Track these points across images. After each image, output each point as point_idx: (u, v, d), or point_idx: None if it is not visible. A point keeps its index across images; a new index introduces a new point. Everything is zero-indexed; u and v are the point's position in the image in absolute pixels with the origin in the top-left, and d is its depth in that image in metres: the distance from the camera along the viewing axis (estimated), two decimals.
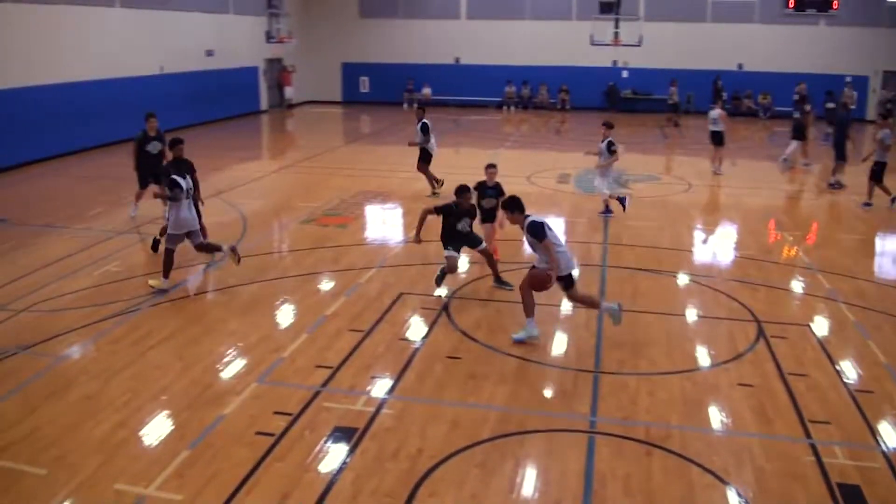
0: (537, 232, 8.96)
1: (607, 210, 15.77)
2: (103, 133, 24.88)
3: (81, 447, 7.15)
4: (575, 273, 9.41)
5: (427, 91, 37.82)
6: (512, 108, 36.94)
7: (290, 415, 7.56)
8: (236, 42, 33.31)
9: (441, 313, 10.26)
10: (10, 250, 13.69)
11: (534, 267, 9.34)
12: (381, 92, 38.44)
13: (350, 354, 8.98)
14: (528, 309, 9.30)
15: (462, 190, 10.98)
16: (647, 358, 8.97)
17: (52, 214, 16.11)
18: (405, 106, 37.60)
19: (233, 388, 8.18)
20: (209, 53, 31.50)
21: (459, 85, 37.84)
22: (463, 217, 11.00)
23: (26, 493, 6.52)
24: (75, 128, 23.55)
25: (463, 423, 7.43)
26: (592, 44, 32.31)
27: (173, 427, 7.49)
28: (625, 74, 36.32)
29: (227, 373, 8.64)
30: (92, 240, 14.17)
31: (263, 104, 36.44)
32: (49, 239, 14.32)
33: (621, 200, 15.09)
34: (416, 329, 9.82)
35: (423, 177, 18.01)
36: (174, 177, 11.27)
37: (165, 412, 7.78)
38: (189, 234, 11.49)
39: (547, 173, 20.69)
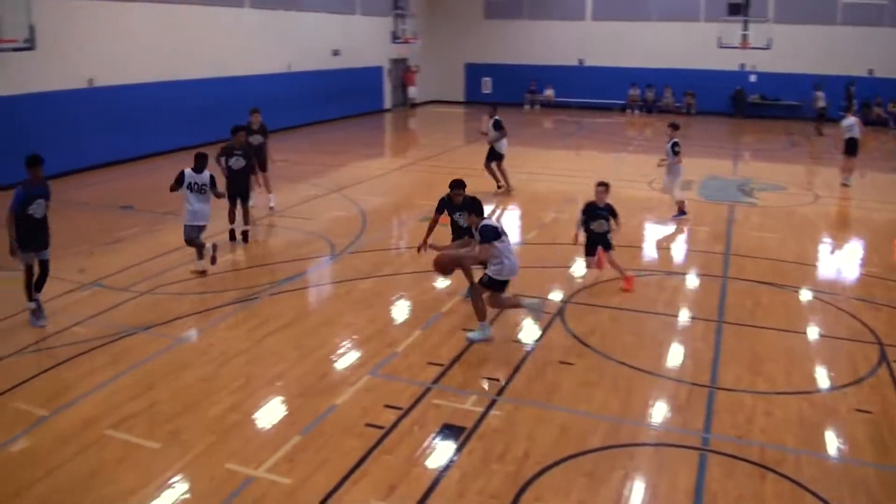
0: (487, 235, 9.10)
1: (680, 212, 15.55)
2: (225, 130, 25.65)
3: (195, 426, 7.44)
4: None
5: (550, 93, 37.59)
6: (636, 112, 36.24)
7: (400, 409, 7.63)
8: (362, 42, 33.94)
9: (555, 317, 10.16)
10: (135, 235, 14.36)
11: (485, 268, 9.38)
12: (504, 93, 38.29)
13: (462, 353, 9.00)
14: (484, 314, 9.40)
15: (456, 184, 10.45)
16: (764, 375, 8.62)
17: (176, 203, 16.64)
18: (526, 107, 37.48)
19: (346, 379, 8.33)
20: (335, 53, 32.21)
21: (583, 87, 37.28)
22: (456, 211, 10.41)
23: (141, 464, 6.85)
24: (205, 122, 24.44)
25: (572, 430, 7.34)
26: (720, 46, 31.48)
27: (286, 413, 7.70)
28: (752, 79, 35.03)
29: (342, 364, 8.81)
30: (213, 230, 14.60)
31: (387, 103, 37.04)
32: (172, 226, 14.84)
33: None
34: (529, 332, 9.75)
35: (541, 178, 17.91)
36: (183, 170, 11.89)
37: (279, 398, 8.00)
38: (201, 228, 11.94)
39: None
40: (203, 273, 11.93)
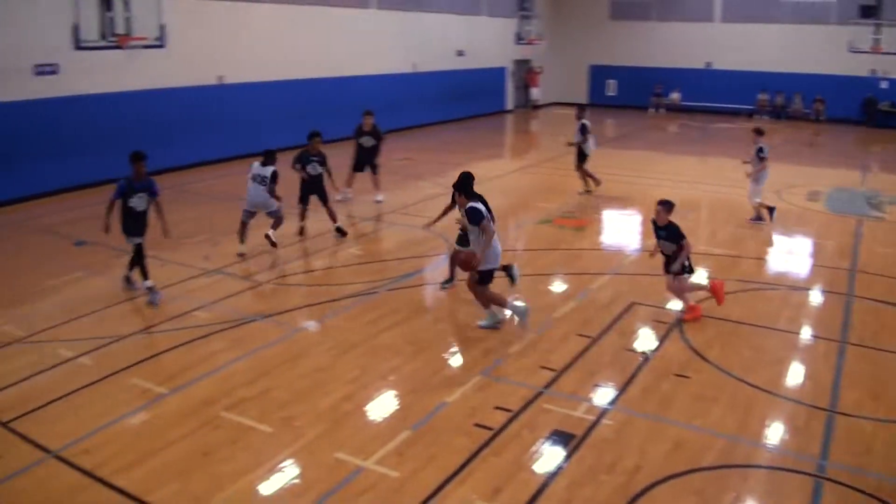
0: (474, 216, 9.33)
1: (758, 217, 15.19)
2: (349, 128, 26.22)
3: (308, 413, 7.63)
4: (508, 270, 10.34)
5: (676, 96, 36.76)
6: (764, 117, 34.96)
7: (510, 411, 7.61)
8: (486, 43, 34.04)
9: (673, 328, 9.93)
10: (259, 227, 14.72)
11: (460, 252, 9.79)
12: (628, 95, 37.77)
13: (575, 359, 8.90)
14: (486, 301, 9.62)
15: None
16: (887, 403, 8.14)
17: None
18: (651, 111, 36.81)
19: (457, 378, 8.37)
20: (460, 53, 32.42)
21: (710, 91, 36.21)
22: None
23: (253, 446, 7.09)
24: (329, 121, 24.99)
25: (685, 446, 7.13)
26: (850, 51, 30.14)
27: (397, 407, 7.80)
28: (884, 85, 33.09)
29: (454, 362, 8.86)
30: (321, 227, 14.87)
31: (509, 104, 37.03)
32: (293, 220, 15.24)
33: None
34: (645, 341, 9.57)
35: (664, 184, 17.60)
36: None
37: (391, 392, 8.11)
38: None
39: (797, 190, 19.50)
40: (241, 256, 12.77)
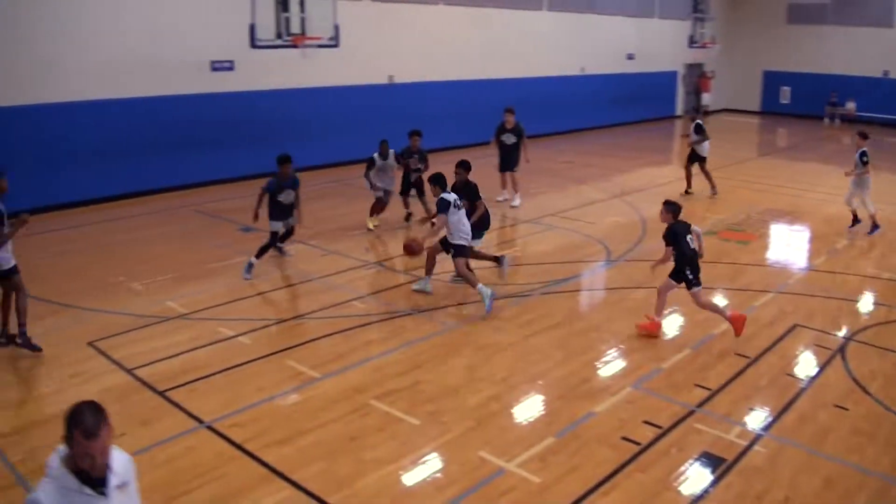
0: (441, 206, 10.43)
1: (874, 227, 14.54)
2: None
3: (455, 409, 7.67)
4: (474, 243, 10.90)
5: (851, 106, 34.42)
6: None
7: (659, 427, 7.38)
8: (658, 46, 33.28)
9: (836, 354, 9.34)
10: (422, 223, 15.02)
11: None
12: (802, 104, 35.77)
13: (731, 380, 8.51)
14: (465, 274, 10.50)
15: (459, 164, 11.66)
16: None
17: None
18: (826, 121, 34.75)
19: (608, 388, 8.20)
20: (630, 57, 31.87)
21: (887, 101, 33.52)
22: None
23: (399, 436, 7.20)
24: (497, 121, 25.22)
25: (838, 483, 6.63)
26: None
27: (544, 412, 7.72)
28: None
29: (605, 371, 8.69)
30: (495, 222, 14.98)
31: (679, 109, 36.03)
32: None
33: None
34: (806, 367, 9.03)
35: (836, 200, 16.64)
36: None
37: (539, 396, 8.04)
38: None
39: None
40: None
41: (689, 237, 9.44)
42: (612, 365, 8.86)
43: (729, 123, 35.03)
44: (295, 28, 16.64)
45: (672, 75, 35.13)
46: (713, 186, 18.25)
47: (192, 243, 13.95)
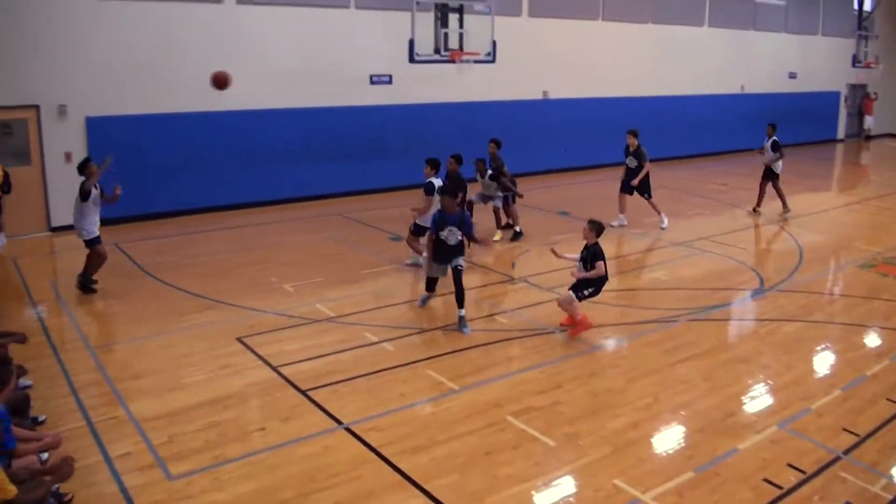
0: (427, 188, 12.29)
1: None
2: (677, 147, 26.12)
3: (593, 433, 7.56)
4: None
5: None
6: None
7: (803, 472, 7.00)
8: (820, 65, 31.93)
9: None
10: (569, 240, 14.90)
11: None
12: None
13: (882, 426, 7.96)
14: (415, 247, 12.63)
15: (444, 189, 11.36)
16: None
17: (614, 215, 17.10)
18: None
19: (752, 425, 7.88)
20: (791, 75, 30.71)
21: None
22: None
23: (533, 455, 7.16)
24: (656, 137, 24.91)
25: None
26: None
27: (684, 444, 7.49)
28: None
29: (751, 407, 8.35)
30: (645, 244, 14.77)
31: (840, 132, 34.42)
32: (605, 237, 15.19)
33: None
34: None
35: None
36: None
37: (680, 427, 7.81)
38: None
39: None
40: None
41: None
42: (758, 401, 8.52)
43: (891, 149, 33.19)
44: (453, 43, 16.91)
45: (834, 96, 33.56)
46: (785, 204, 18.02)
47: (344, 249, 14.37)
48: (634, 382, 8.77)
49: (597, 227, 10.02)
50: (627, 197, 16.57)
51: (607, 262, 10.21)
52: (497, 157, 15.28)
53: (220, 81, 12.32)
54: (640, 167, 16.19)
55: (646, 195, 16.40)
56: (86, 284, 11.82)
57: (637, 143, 16.35)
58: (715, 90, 27.59)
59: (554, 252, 10.68)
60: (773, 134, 17.77)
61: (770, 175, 17.86)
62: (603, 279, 10.05)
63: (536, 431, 7.55)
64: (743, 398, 8.54)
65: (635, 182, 16.23)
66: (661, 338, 10.14)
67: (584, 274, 10.00)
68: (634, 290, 12.02)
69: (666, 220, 16.40)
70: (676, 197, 19.81)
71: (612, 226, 16.00)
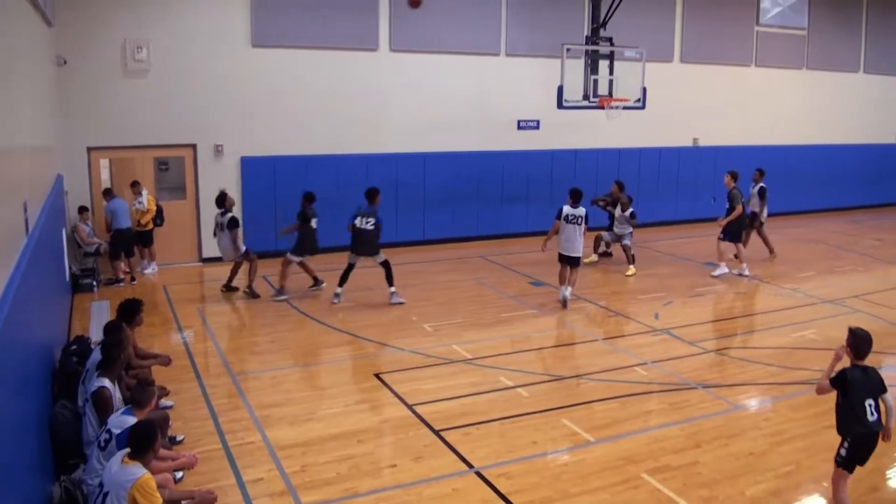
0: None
1: None
2: (830, 198, 25.11)
3: (730, 499, 7.20)
4: None
5: None
6: None
7: None
8: None
9: None
10: (715, 293, 14.67)
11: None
12: None
13: None
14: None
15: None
16: None
17: (763, 268, 16.56)
18: None
19: None
20: None
21: None
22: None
23: None
24: (798, 189, 24.16)
25: None
26: None
27: None
28: None
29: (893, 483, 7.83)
30: (795, 300, 14.18)
31: None
32: (754, 291, 14.85)
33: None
34: None
35: None
36: None
37: (822, 499, 7.30)
38: None
39: None
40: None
41: None
42: None
43: None
44: (602, 89, 16.88)
45: None
46: (771, 249, 17.61)
47: (484, 292, 14.43)
48: (778, 447, 8.32)
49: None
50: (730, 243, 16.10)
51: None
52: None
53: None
54: (731, 209, 15.79)
55: (724, 236, 15.92)
56: (252, 291, 13.80)
57: (733, 184, 15.91)
58: (870, 139, 26.29)
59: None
60: (760, 180, 17.02)
61: (751, 223, 17.04)
62: None
63: (672, 492, 7.27)
64: (888, 472, 7.99)
65: (722, 223, 15.92)
66: (808, 401, 9.59)
67: None
68: (782, 348, 11.48)
69: (747, 269, 15.94)
70: (829, 251, 18.91)
71: (713, 276, 15.78)
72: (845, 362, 6.74)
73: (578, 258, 13.68)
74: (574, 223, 13.40)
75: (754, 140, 23.14)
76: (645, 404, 9.40)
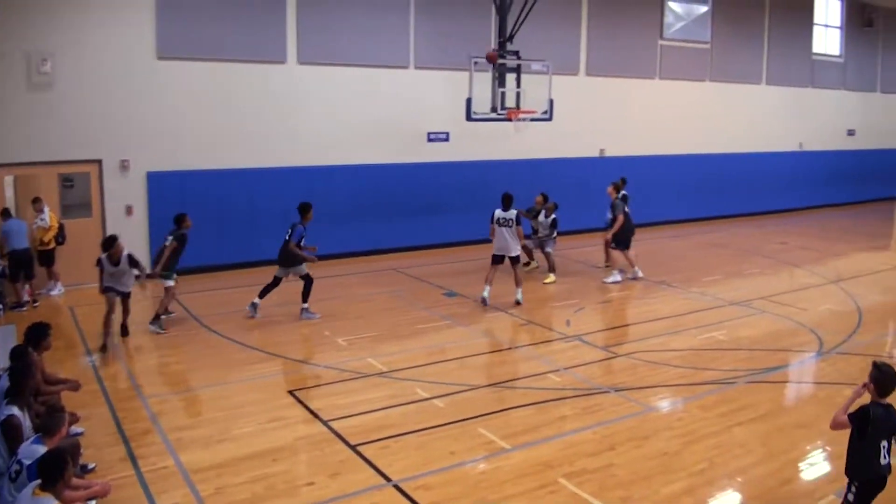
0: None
1: None
2: (735, 204, 25.95)
3: (646, 499, 7.35)
4: None
5: None
6: None
7: None
8: (880, 122, 31.56)
9: None
10: (624, 299, 14.89)
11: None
12: None
13: None
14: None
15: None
16: None
17: (670, 274, 17.00)
18: None
19: (810, 493, 7.59)
20: (850, 132, 30.37)
21: None
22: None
23: None
24: (715, 195, 25.00)
25: None
26: None
27: None
28: None
29: (808, 474, 8.07)
30: (703, 303, 14.57)
31: None
32: (662, 295, 15.22)
33: None
34: None
35: None
36: None
37: (736, 494, 7.56)
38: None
39: None
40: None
41: None
42: (816, 468, 8.23)
43: None
44: (510, 102, 17.06)
45: (894, 153, 32.95)
46: (608, 258, 17.38)
47: (397, 304, 14.40)
48: (690, 446, 8.53)
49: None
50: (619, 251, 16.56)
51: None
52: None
53: None
54: (614, 219, 16.28)
55: (624, 247, 16.39)
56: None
57: (615, 194, 16.48)
58: (774, 148, 27.36)
59: None
60: (619, 188, 17.21)
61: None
62: None
63: (588, 495, 7.36)
64: (801, 465, 8.28)
65: (609, 234, 16.42)
66: (717, 400, 9.89)
67: None
68: (691, 350, 11.78)
69: (640, 272, 16.56)
70: (736, 256, 19.56)
71: (605, 282, 16.19)
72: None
73: (516, 257, 14.41)
74: (506, 226, 14.21)
75: (660, 150, 23.78)
76: (559, 410, 9.49)
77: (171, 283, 12.81)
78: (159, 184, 16.18)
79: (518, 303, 14.21)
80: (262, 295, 13.43)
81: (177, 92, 16.18)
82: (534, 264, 17.38)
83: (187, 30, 16.12)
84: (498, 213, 14.34)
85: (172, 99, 16.15)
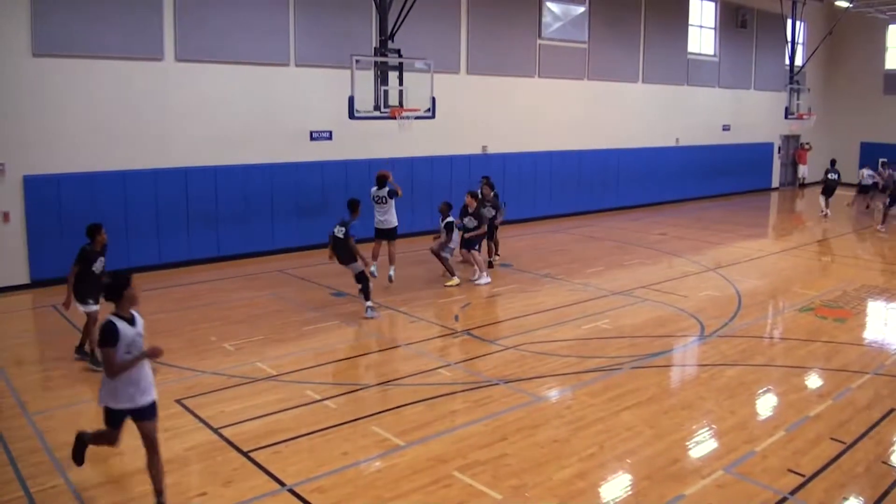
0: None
1: None
2: (615, 198, 26.69)
3: (540, 485, 7.46)
4: None
5: None
6: None
7: None
8: (753, 117, 33.13)
9: None
10: (511, 293, 15.05)
11: None
12: None
13: (826, 466, 8.02)
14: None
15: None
16: None
17: (554, 266, 17.33)
18: None
19: (698, 470, 7.88)
20: (725, 128, 31.69)
21: None
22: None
23: None
24: (596, 190, 25.64)
25: None
26: None
27: (630, 492, 7.43)
28: None
29: (696, 452, 8.36)
30: (587, 294, 14.90)
31: (775, 181, 35.51)
32: (548, 287, 15.49)
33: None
34: None
35: None
36: None
37: (626, 475, 7.76)
38: None
39: None
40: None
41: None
42: (703, 445, 8.54)
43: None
44: (393, 100, 17.04)
45: (768, 147, 34.66)
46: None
47: (284, 306, 14.17)
48: (579, 432, 8.72)
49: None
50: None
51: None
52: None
53: None
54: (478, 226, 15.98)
55: (473, 246, 16.08)
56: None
57: (475, 203, 16.22)
58: (652, 143, 28.29)
59: None
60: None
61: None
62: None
63: (483, 486, 7.43)
64: (688, 444, 8.56)
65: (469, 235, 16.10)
66: (604, 386, 10.14)
67: None
68: (577, 339, 12.04)
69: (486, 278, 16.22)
70: (616, 247, 20.11)
71: (476, 284, 15.96)
72: None
73: (393, 230, 15.80)
74: (380, 203, 15.63)
75: (541, 146, 24.24)
76: (451, 404, 9.55)
77: (92, 308, 10.88)
78: (36, 188, 15.37)
79: (373, 274, 14.89)
80: (367, 296, 13.42)
81: (53, 91, 15.33)
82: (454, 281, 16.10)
83: (64, 26, 15.31)
84: (372, 190, 15.78)
85: (48, 98, 15.30)
